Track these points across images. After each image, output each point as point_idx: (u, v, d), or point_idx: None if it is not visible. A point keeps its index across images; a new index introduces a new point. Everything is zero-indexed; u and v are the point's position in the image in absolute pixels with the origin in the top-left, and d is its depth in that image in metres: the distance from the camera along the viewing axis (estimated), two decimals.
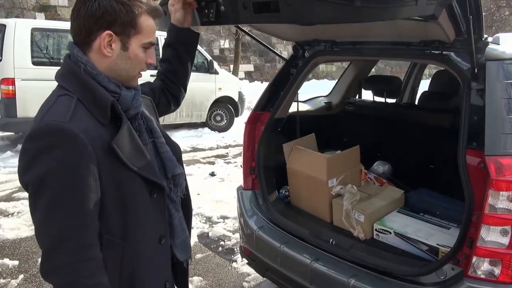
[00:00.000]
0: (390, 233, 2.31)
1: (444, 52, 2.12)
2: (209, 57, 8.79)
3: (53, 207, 1.06)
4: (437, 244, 2.14)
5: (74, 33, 1.19)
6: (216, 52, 16.40)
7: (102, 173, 1.12)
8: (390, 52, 2.38)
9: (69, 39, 1.48)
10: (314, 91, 4.42)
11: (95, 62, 1.17)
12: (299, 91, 2.80)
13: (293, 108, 2.89)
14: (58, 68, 1.24)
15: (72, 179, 1.06)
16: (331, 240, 2.33)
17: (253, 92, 12.00)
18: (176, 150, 1.41)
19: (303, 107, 3.13)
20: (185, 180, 1.44)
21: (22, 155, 1.09)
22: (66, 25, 7.05)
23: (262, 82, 16.37)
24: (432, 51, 2.15)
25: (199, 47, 8.68)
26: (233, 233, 4.03)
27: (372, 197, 2.54)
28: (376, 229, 2.37)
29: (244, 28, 2.97)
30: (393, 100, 3.47)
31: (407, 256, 2.20)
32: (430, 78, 3.75)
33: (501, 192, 1.78)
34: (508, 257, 1.80)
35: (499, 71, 1.91)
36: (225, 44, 16.84)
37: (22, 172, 1.09)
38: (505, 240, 1.79)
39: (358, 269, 2.17)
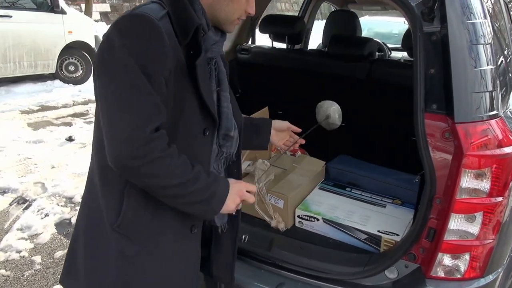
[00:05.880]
0: (318, 220, 1.82)
1: None
2: None
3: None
4: (378, 231, 1.72)
5: None
6: None
7: (168, 87, 1.06)
8: None
9: None
10: None
11: None
12: None
13: None
14: None
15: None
16: (243, 236, 1.77)
17: None
18: (238, 119, 1.33)
19: None
20: (239, 150, 1.37)
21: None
22: None
23: None
24: None
25: None
26: None
27: (289, 173, 2.01)
28: (298, 216, 1.87)
29: None
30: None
31: (341, 248, 1.75)
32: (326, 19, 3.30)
33: (474, 171, 1.36)
34: (476, 249, 1.43)
35: (463, 7, 1.44)
36: None
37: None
38: (474, 229, 1.41)
39: (283, 275, 1.67)
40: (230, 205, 1.22)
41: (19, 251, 2.81)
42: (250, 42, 2.80)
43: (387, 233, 1.70)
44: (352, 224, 1.76)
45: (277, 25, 2.56)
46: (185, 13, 1.10)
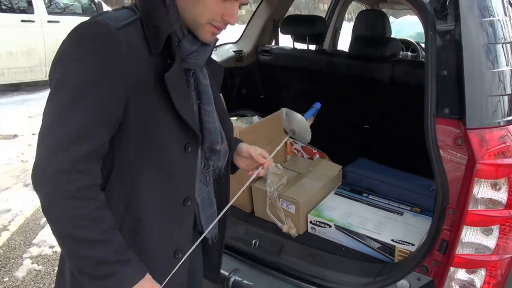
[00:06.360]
0: (330, 226, 1.76)
1: None
2: None
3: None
4: (392, 240, 1.64)
5: None
6: None
7: (136, 103, 0.96)
8: None
9: None
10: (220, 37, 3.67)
11: None
12: None
13: None
14: None
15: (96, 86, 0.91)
16: (253, 241, 1.74)
17: None
18: (227, 130, 1.22)
19: None
20: (228, 162, 1.25)
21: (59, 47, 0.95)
22: None
23: None
24: None
25: None
26: None
27: (302, 177, 1.96)
28: (311, 221, 1.82)
29: None
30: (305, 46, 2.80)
31: (353, 257, 1.68)
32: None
33: (489, 181, 1.27)
34: (493, 265, 1.33)
35: (479, 4, 1.34)
36: None
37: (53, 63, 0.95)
38: (490, 243, 1.31)
39: (292, 282, 1.63)
40: None
41: (52, 247, 2.91)
42: (273, 43, 2.76)
43: (402, 242, 1.62)
44: (365, 232, 1.69)
45: (297, 26, 2.50)
46: (157, 19, 0.99)
